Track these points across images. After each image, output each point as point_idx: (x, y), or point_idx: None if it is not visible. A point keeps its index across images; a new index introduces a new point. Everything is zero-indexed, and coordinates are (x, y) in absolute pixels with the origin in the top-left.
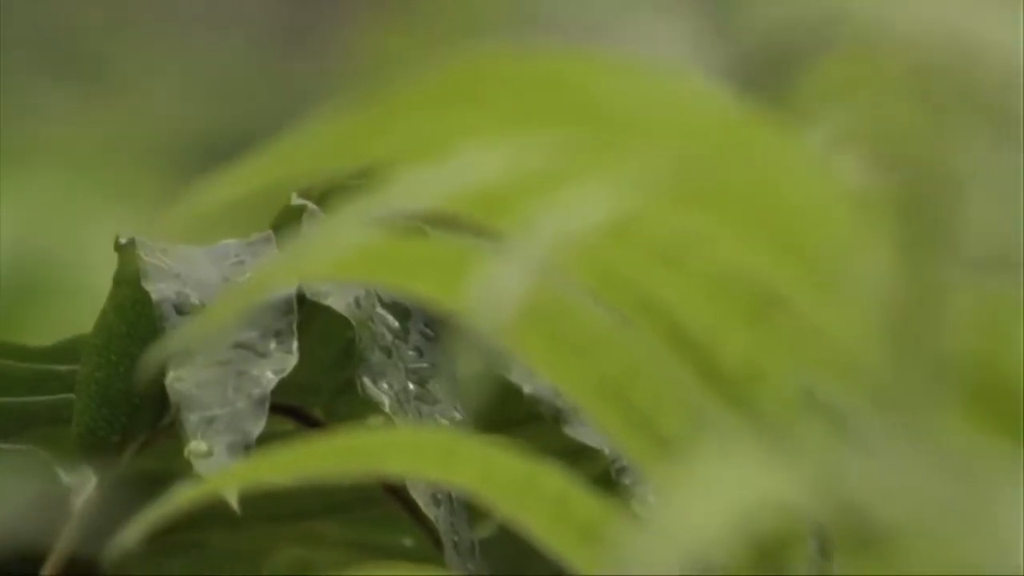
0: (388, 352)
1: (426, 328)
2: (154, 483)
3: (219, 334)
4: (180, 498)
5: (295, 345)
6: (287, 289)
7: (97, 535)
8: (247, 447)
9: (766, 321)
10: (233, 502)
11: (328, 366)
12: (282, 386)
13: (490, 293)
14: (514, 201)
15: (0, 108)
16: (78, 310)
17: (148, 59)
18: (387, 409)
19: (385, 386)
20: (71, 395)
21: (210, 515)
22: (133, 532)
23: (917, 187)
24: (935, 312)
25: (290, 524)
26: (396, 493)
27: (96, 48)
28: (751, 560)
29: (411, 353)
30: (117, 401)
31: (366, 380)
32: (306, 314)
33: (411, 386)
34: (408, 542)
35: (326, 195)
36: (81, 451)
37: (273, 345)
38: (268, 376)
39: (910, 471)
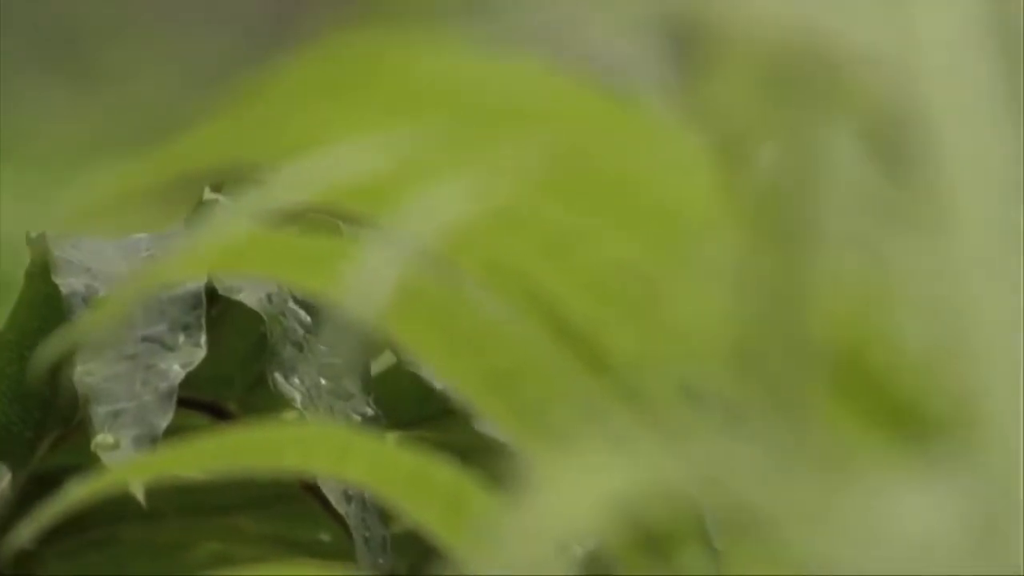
0: (300, 347)
1: (339, 322)
2: (68, 479)
3: (127, 328)
4: (78, 492)
5: (203, 339)
6: (195, 283)
7: (9, 532)
8: (153, 440)
9: (648, 311)
10: (140, 496)
11: (242, 360)
12: (197, 380)
13: (361, 282)
14: (390, 192)
15: None
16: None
17: (141, 53)
18: (298, 405)
19: (297, 381)
20: None
21: (128, 510)
22: (29, 529)
23: (779, 177)
24: (800, 301)
25: (208, 519)
26: (313, 489)
27: (89, 42)
28: (635, 549)
29: (323, 348)
30: (30, 397)
31: (277, 375)
32: (222, 308)
33: (323, 381)
34: (326, 538)
35: (236, 189)
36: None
37: (181, 339)
38: (176, 369)
39: (777, 460)
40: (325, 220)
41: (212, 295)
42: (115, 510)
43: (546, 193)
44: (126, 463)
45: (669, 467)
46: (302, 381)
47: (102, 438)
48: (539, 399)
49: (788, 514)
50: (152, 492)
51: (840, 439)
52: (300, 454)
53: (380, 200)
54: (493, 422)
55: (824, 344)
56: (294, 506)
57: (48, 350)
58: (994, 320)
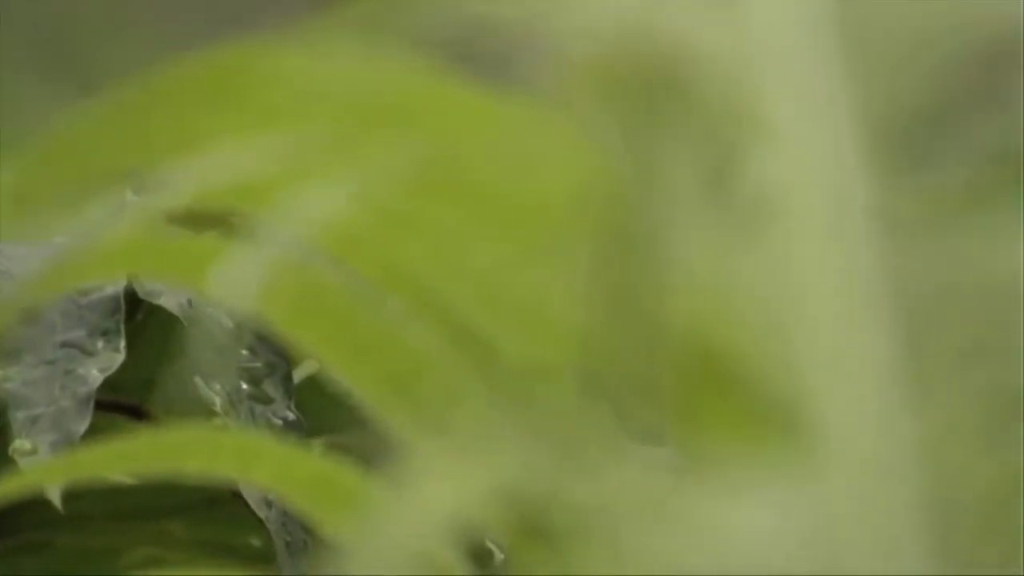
0: (221, 352)
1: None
2: None
3: (46, 333)
4: None
5: (122, 344)
6: (114, 288)
7: None
8: (71, 445)
9: (526, 311)
10: (56, 500)
11: (167, 364)
12: (122, 384)
13: (227, 279)
14: (268, 194)
15: None
16: None
17: (142, 57)
18: (218, 409)
19: (217, 386)
20: None
21: (59, 516)
22: None
23: (629, 180)
24: (649, 302)
25: (139, 524)
26: (242, 494)
27: (90, 46)
28: (519, 540)
29: (244, 352)
30: None
31: (198, 380)
32: (145, 312)
33: (244, 386)
34: (256, 542)
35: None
36: None
37: (100, 344)
38: (94, 374)
39: (623, 457)
40: (206, 222)
41: (135, 299)
42: (47, 516)
43: (428, 194)
44: (30, 467)
45: (529, 466)
46: (223, 386)
47: (19, 443)
48: (435, 401)
49: (630, 511)
50: (82, 497)
51: (687, 438)
52: (205, 458)
53: (258, 202)
54: (393, 427)
55: (673, 345)
56: (225, 511)
57: None
58: (827, 320)
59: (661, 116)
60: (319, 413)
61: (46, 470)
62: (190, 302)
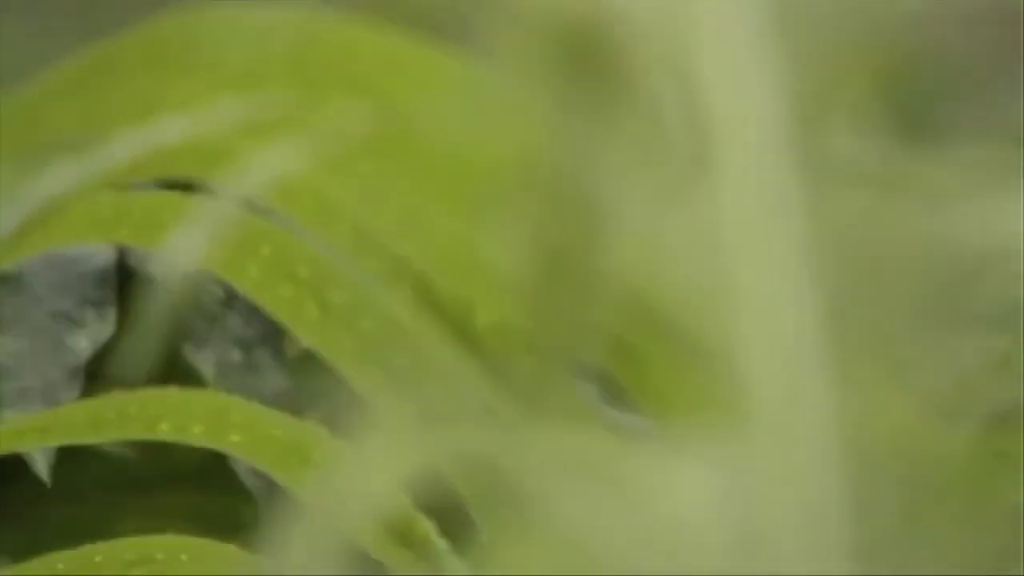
0: (212, 320)
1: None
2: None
3: (35, 303)
4: None
5: (113, 314)
6: (105, 257)
7: None
8: None
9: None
10: (42, 472)
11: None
12: (109, 353)
13: (181, 236)
14: (220, 157)
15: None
16: None
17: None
18: (209, 378)
19: (208, 354)
20: None
21: (49, 488)
22: None
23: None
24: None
25: (132, 495)
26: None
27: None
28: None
29: (237, 320)
30: None
31: (188, 348)
32: (135, 281)
33: (235, 355)
34: (249, 512)
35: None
36: None
37: (90, 315)
38: (83, 346)
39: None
40: (163, 185)
41: (125, 267)
42: (36, 489)
43: (380, 154)
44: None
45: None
46: (214, 354)
47: (8, 415)
48: (412, 371)
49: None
50: (72, 469)
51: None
52: (176, 419)
53: (214, 163)
54: (365, 393)
55: (608, 300)
56: (217, 481)
57: None
58: (757, 277)
59: (599, 77)
60: (314, 386)
61: (17, 433)
62: (182, 270)
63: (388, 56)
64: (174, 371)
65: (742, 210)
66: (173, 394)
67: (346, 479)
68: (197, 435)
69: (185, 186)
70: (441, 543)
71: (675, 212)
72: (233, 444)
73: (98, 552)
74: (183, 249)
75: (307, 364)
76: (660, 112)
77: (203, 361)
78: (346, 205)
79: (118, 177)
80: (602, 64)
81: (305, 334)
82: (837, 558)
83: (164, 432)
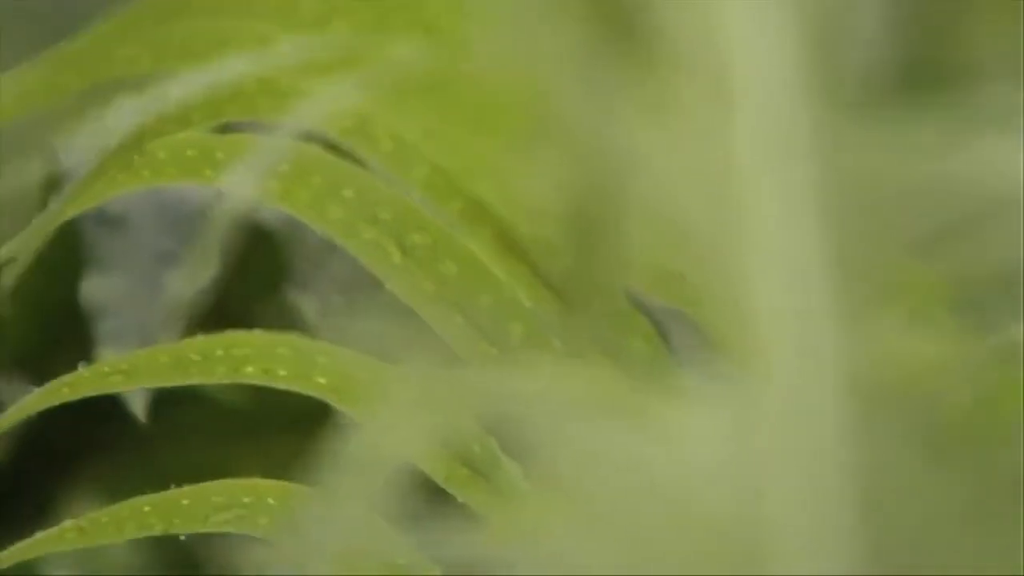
0: (316, 263)
1: None
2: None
3: (135, 244)
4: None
5: (215, 257)
6: (207, 199)
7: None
8: None
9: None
10: (140, 412)
11: (248, 279)
12: (207, 296)
13: (240, 170)
14: (290, 94)
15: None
16: None
17: None
18: (312, 319)
19: (311, 297)
20: None
21: (158, 431)
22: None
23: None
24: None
25: (243, 441)
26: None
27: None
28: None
29: (339, 264)
30: (47, 313)
31: (291, 292)
32: (235, 225)
33: (337, 297)
34: None
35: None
36: (14, 365)
37: (191, 256)
38: (183, 287)
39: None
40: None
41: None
42: (146, 431)
43: (432, 91)
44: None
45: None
46: (316, 296)
47: (105, 354)
48: (491, 312)
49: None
50: (182, 413)
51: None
52: (260, 363)
53: (280, 102)
54: (443, 333)
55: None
56: (327, 428)
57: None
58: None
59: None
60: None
61: (102, 375)
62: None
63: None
64: (277, 312)
65: (755, 152)
66: (259, 336)
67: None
68: (282, 378)
69: (256, 127)
70: (511, 465)
71: (691, 154)
72: (318, 386)
73: (184, 496)
74: (243, 184)
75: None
76: (679, 55)
77: (306, 303)
78: (421, 147)
79: (189, 116)
80: (627, 10)
81: (387, 277)
82: (846, 500)
83: (249, 375)
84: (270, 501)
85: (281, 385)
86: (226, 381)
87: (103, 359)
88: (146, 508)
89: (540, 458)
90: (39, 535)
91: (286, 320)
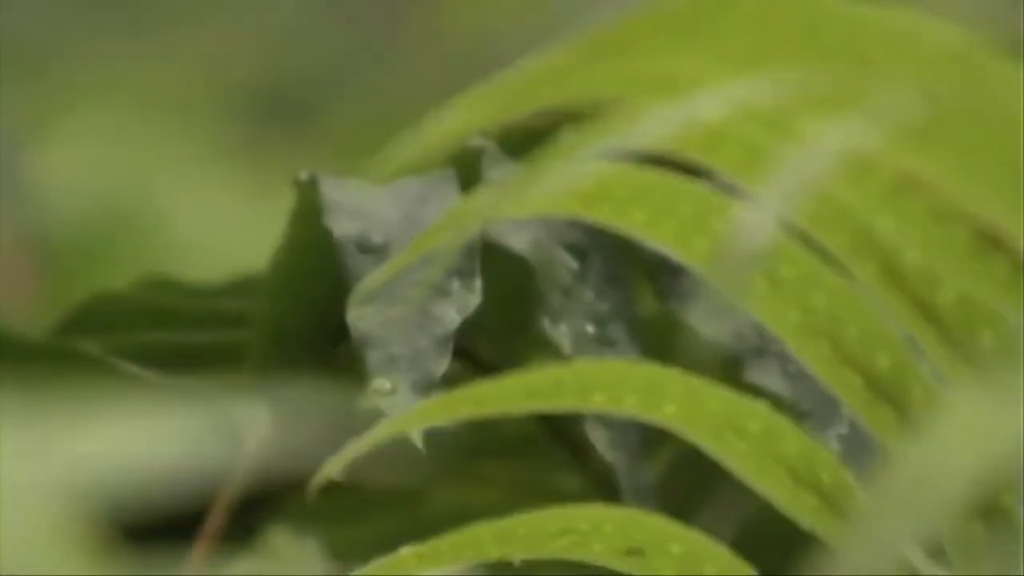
0: (567, 293)
1: (606, 269)
2: (327, 422)
3: (402, 273)
4: (374, 437)
5: (478, 285)
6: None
7: (271, 471)
8: (430, 386)
9: (984, 260)
10: (419, 442)
11: (497, 308)
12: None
13: (736, 248)
14: (745, 140)
15: (50, 50)
16: (150, 251)
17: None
18: (567, 351)
19: (564, 328)
20: (238, 332)
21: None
22: (334, 467)
23: None
24: None
25: (453, 463)
26: (558, 434)
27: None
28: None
29: (590, 294)
30: (293, 339)
31: (545, 322)
32: (482, 253)
33: (589, 328)
34: (569, 483)
35: (506, 136)
36: (255, 388)
37: (456, 284)
38: (451, 315)
39: None
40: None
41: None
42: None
43: (902, 137)
44: (412, 409)
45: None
46: (569, 327)
47: (379, 383)
48: (863, 345)
49: None
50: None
51: None
52: (607, 392)
53: (733, 149)
54: (811, 366)
55: None
56: (538, 452)
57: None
58: None
59: None
60: (662, 356)
61: (442, 406)
62: (537, 243)
63: (933, 41)
64: (517, 345)
65: None
66: (609, 366)
67: (942, 452)
68: (630, 406)
69: (709, 174)
70: None
71: None
72: (667, 415)
73: (522, 524)
74: (739, 260)
75: (656, 335)
76: None
77: (560, 334)
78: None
79: (638, 155)
80: None
81: (752, 306)
82: None
83: (597, 403)
84: (607, 528)
85: (627, 413)
86: (574, 409)
87: (376, 387)
88: (484, 535)
89: None
90: (375, 562)
91: (541, 351)
